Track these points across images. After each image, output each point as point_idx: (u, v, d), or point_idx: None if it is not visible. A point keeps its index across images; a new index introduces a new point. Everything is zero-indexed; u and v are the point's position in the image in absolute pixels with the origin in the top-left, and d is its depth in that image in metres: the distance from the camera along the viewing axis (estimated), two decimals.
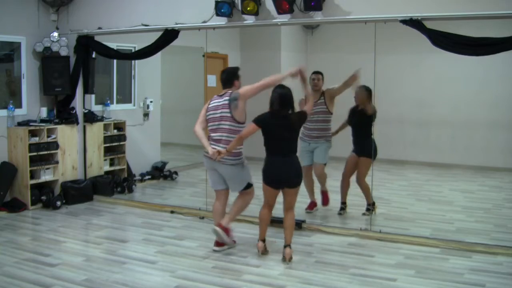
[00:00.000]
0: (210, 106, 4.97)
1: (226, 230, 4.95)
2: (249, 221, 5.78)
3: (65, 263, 4.67)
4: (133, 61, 8.29)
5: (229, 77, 5.01)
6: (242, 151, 4.93)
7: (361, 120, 5.97)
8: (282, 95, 4.67)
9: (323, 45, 9.83)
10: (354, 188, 6.43)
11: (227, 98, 4.88)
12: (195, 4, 6.20)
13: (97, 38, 7.03)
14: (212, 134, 4.94)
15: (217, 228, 4.91)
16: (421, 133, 9.50)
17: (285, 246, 4.77)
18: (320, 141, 6.16)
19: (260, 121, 4.68)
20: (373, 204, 6.10)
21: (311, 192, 6.37)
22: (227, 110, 4.84)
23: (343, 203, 6.27)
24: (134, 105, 8.46)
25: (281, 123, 4.64)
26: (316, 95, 6.04)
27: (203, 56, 7.79)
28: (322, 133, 6.16)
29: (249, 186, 5.03)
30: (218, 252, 4.94)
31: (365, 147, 5.97)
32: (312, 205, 6.39)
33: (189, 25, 6.24)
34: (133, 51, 7.86)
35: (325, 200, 6.41)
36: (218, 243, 4.98)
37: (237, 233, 5.62)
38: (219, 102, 4.92)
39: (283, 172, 4.68)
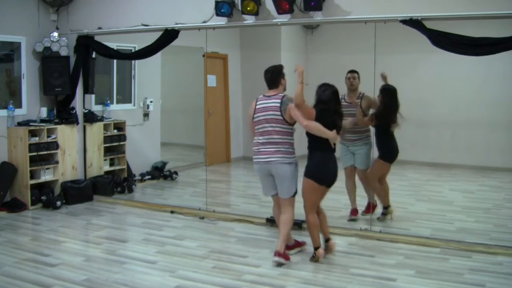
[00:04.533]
0: (257, 107, 4.75)
1: (286, 256, 4.67)
2: (249, 221, 5.78)
3: (65, 263, 4.67)
4: (133, 61, 8.29)
5: (274, 77, 4.76)
6: (294, 152, 4.73)
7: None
8: (337, 92, 4.72)
9: (323, 45, 9.83)
10: None
11: (278, 100, 4.66)
12: (195, 4, 6.20)
13: (97, 38, 7.03)
14: (259, 137, 4.73)
15: (278, 259, 4.57)
16: (421, 133, 9.48)
17: (327, 240, 4.80)
18: (358, 143, 5.96)
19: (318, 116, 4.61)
20: (388, 207, 5.98)
21: (353, 197, 6.10)
22: (278, 113, 4.63)
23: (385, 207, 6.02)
24: (134, 105, 8.46)
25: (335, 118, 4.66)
26: (353, 95, 5.92)
27: (203, 56, 7.79)
28: (359, 136, 5.96)
29: (295, 193, 4.75)
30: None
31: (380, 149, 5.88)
32: (354, 212, 6.07)
33: (189, 25, 6.24)
34: (133, 51, 7.87)
35: (367, 209, 6.05)
36: (288, 247, 4.80)
37: (237, 233, 5.63)
38: (267, 103, 4.70)
39: (336, 168, 4.68)
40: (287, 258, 4.67)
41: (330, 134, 4.55)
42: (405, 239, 5.27)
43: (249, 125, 4.88)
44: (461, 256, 4.84)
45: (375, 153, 5.96)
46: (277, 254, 4.59)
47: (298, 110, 4.57)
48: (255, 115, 4.76)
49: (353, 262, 4.72)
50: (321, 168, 4.62)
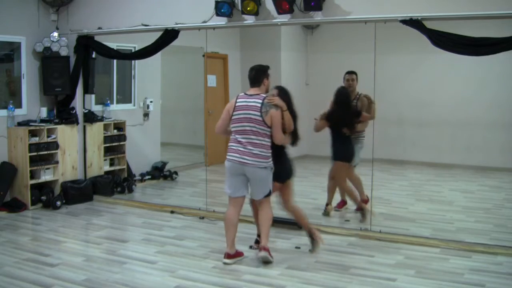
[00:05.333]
0: (237, 105, 4.65)
1: (268, 250, 4.67)
2: (249, 221, 5.78)
3: (65, 263, 4.67)
4: (133, 61, 8.29)
5: (258, 75, 4.70)
6: (271, 155, 4.64)
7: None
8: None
9: (323, 45, 9.83)
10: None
11: (259, 101, 4.59)
12: (195, 4, 6.20)
13: (97, 38, 7.03)
14: (237, 136, 4.64)
15: (264, 254, 4.60)
16: (421, 133, 9.49)
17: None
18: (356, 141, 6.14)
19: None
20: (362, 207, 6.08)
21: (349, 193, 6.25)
22: (258, 113, 4.55)
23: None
24: (134, 105, 8.46)
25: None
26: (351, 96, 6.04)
27: (203, 56, 7.79)
28: (354, 134, 6.06)
29: (269, 193, 4.74)
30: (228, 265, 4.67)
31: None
32: (342, 204, 6.42)
33: (189, 25, 6.24)
34: (133, 51, 7.87)
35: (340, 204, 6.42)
36: (229, 255, 4.70)
37: (237, 233, 5.62)
38: (248, 102, 4.62)
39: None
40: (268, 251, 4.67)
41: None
42: (405, 239, 5.27)
43: (221, 120, 4.75)
44: (461, 256, 4.84)
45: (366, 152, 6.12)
46: (263, 249, 4.62)
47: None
48: (235, 113, 4.63)
49: (353, 262, 4.72)
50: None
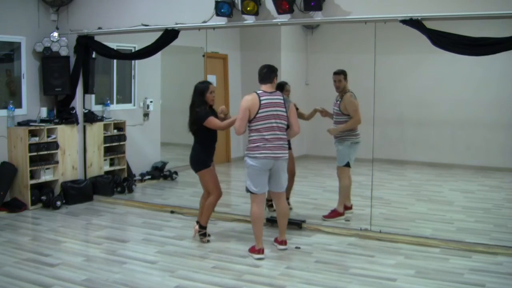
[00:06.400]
0: (263, 102, 4.71)
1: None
2: (249, 221, 5.77)
3: (65, 263, 4.67)
4: (133, 61, 8.29)
5: (270, 73, 4.84)
6: None
7: None
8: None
9: (323, 45, 9.83)
10: (354, 188, 6.43)
11: (280, 97, 4.83)
12: (195, 4, 6.20)
13: (97, 38, 7.03)
14: (264, 134, 4.73)
15: (284, 247, 5.06)
16: (421, 133, 9.50)
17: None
18: (338, 141, 5.99)
19: None
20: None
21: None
22: (283, 109, 4.80)
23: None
24: (134, 105, 8.46)
25: None
26: (338, 95, 5.97)
27: (203, 56, 7.79)
28: (339, 134, 5.95)
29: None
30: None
31: None
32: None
33: (189, 25, 6.24)
34: (133, 51, 7.87)
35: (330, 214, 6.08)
36: (262, 250, 4.86)
37: (237, 233, 5.63)
38: (273, 99, 4.76)
39: None
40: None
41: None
42: (405, 239, 5.27)
43: (242, 121, 4.76)
44: (461, 256, 4.84)
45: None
46: (284, 242, 5.05)
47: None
48: (261, 110, 4.71)
49: (353, 262, 4.72)
50: None
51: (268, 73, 4.84)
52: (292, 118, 4.87)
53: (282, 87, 5.80)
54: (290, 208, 6.10)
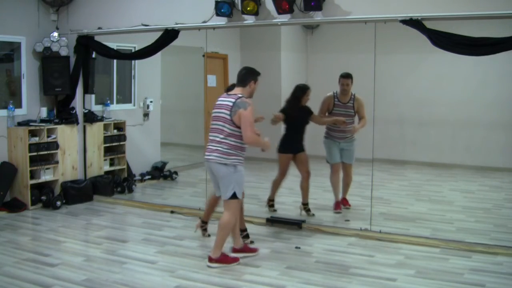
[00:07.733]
0: (216, 103, 4.69)
1: (222, 259, 4.61)
2: (249, 221, 5.78)
3: (65, 263, 4.67)
4: (133, 61, 8.29)
5: (246, 76, 4.66)
6: (237, 154, 4.54)
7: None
8: None
9: (323, 45, 9.83)
10: (353, 188, 6.44)
11: (232, 100, 4.53)
12: (195, 4, 6.20)
13: (97, 38, 7.03)
14: (209, 134, 4.66)
15: (209, 264, 4.58)
16: (421, 133, 9.49)
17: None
18: (349, 140, 6.29)
19: None
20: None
21: (338, 191, 6.37)
22: (228, 112, 4.51)
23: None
24: (134, 105, 8.46)
25: None
26: (344, 97, 6.18)
27: (203, 56, 7.79)
28: (350, 133, 6.25)
29: (233, 196, 4.55)
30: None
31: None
32: (339, 205, 6.35)
33: (189, 25, 6.24)
34: (133, 51, 7.87)
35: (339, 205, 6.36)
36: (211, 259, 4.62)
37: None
38: (223, 101, 4.61)
39: None
40: (224, 260, 4.59)
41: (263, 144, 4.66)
42: (405, 239, 5.27)
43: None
44: (461, 256, 4.84)
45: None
46: (208, 259, 4.59)
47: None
48: (212, 111, 4.71)
49: (353, 262, 4.72)
50: None
51: (244, 76, 4.66)
52: (241, 125, 4.48)
53: (303, 91, 6.02)
54: (312, 214, 6.16)
